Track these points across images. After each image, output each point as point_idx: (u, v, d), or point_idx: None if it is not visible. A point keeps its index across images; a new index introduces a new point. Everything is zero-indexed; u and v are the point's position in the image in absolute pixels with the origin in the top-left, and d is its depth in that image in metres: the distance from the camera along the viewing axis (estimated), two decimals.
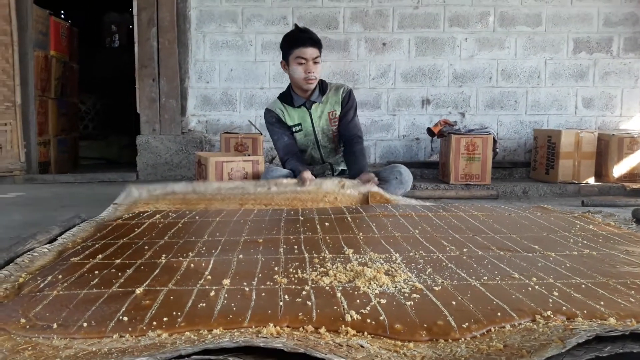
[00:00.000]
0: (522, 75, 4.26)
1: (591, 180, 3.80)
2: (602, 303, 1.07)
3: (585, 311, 1.03)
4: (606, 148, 3.87)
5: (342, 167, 2.77)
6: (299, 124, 2.67)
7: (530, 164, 4.16)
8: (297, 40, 2.53)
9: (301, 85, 2.58)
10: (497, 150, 3.84)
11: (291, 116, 2.67)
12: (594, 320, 0.99)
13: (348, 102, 2.68)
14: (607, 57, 4.25)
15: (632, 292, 1.14)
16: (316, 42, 2.53)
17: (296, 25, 2.65)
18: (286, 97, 2.70)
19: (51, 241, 1.72)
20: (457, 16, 4.19)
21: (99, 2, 6.85)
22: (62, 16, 7.10)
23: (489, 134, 3.75)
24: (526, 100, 4.28)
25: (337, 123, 2.68)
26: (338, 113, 2.67)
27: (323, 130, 2.69)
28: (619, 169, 3.82)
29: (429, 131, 4.00)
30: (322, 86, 2.68)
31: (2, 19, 3.88)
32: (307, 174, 2.44)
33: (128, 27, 6.49)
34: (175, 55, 4.14)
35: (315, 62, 2.53)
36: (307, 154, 2.76)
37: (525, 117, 4.31)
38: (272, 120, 2.69)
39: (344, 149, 2.73)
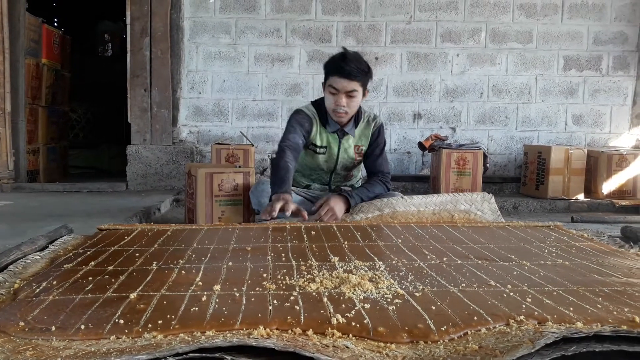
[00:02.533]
0: (513, 91, 4.37)
1: (581, 197, 3.89)
2: (571, 309, 1.14)
3: (555, 316, 1.10)
4: (595, 165, 3.97)
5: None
6: (325, 147, 2.52)
7: (520, 180, 4.24)
8: (334, 68, 2.32)
9: (331, 115, 2.42)
10: (488, 165, 3.92)
11: (322, 137, 2.50)
12: (563, 324, 1.06)
13: (377, 138, 2.54)
14: (597, 75, 4.37)
15: (600, 299, 1.22)
16: (354, 75, 2.27)
17: (344, 50, 2.40)
18: (322, 117, 2.49)
19: (40, 249, 1.74)
20: (449, 32, 4.30)
21: (92, 11, 6.91)
22: (55, 24, 7.14)
23: (480, 149, 3.83)
24: (517, 116, 4.39)
25: (360, 156, 2.57)
26: (364, 148, 2.55)
27: (345, 161, 2.57)
28: (608, 186, 3.91)
29: (420, 145, 4.08)
30: (357, 116, 2.49)
31: None
32: (277, 205, 2.09)
33: (121, 36, 6.54)
34: (167, 66, 4.20)
35: (350, 96, 2.32)
36: (316, 175, 2.65)
37: (516, 132, 4.41)
38: (304, 124, 2.45)
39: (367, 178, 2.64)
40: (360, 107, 2.51)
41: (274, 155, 2.44)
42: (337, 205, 2.28)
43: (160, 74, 4.19)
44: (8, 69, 3.99)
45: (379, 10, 4.26)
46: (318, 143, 2.51)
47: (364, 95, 2.42)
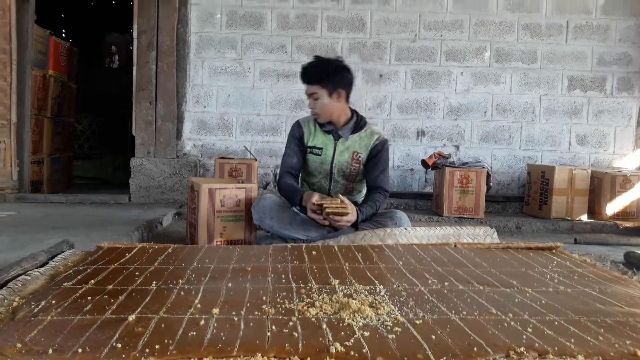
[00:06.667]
0: (517, 110, 4.37)
1: (584, 217, 3.86)
2: (572, 340, 1.13)
3: (556, 348, 1.09)
4: (599, 185, 3.94)
5: None
6: (321, 149, 2.63)
7: (523, 199, 4.22)
8: (300, 75, 2.61)
9: None
10: (491, 184, 3.91)
11: (317, 138, 2.64)
12: (564, 357, 1.05)
13: (380, 153, 2.59)
14: (601, 96, 4.37)
15: (602, 330, 1.21)
16: (309, 80, 2.54)
17: (314, 57, 2.63)
18: None
19: (41, 265, 1.74)
20: (453, 50, 4.32)
21: (100, 23, 6.98)
22: (64, 35, 7.21)
23: (483, 167, 3.82)
24: (520, 135, 4.39)
25: (358, 165, 2.61)
26: (362, 157, 2.61)
27: (341, 165, 2.61)
28: (612, 207, 3.89)
29: (423, 163, 4.08)
30: (359, 123, 2.63)
31: (2, 38, 3.95)
32: (314, 198, 2.37)
33: (128, 47, 6.60)
34: (173, 79, 4.22)
35: (314, 98, 2.53)
36: (317, 181, 2.69)
37: (520, 151, 4.40)
38: (295, 134, 2.68)
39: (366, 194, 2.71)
40: (362, 116, 2.67)
41: (278, 177, 2.74)
42: (351, 221, 2.37)
43: (165, 87, 4.22)
44: (15, 80, 4.03)
45: (384, 29, 4.28)
46: (310, 144, 2.65)
47: (334, 96, 2.52)
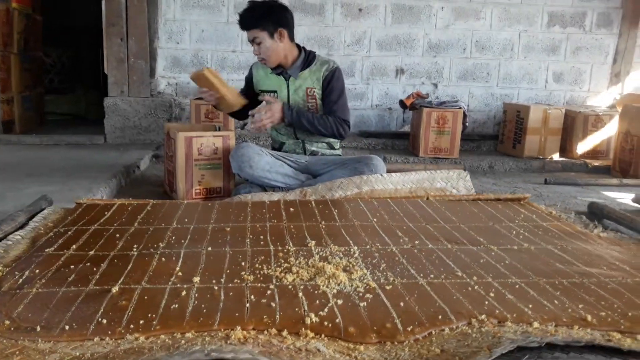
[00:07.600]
0: (496, 47, 4.33)
1: (556, 156, 3.97)
2: (530, 306, 1.22)
3: (514, 315, 1.18)
4: (572, 124, 4.02)
5: (315, 147, 2.69)
6: (275, 92, 2.62)
7: (498, 137, 4.30)
8: (239, 24, 2.54)
9: None
10: (467, 124, 3.95)
11: (270, 80, 2.63)
12: (521, 324, 1.14)
13: (330, 82, 2.53)
14: (580, 32, 4.35)
15: (558, 293, 1.30)
16: (246, 25, 2.48)
17: (248, 2, 2.53)
18: None
19: (21, 227, 1.76)
20: None
21: None
22: None
23: (460, 108, 3.85)
24: (498, 72, 4.38)
25: (314, 100, 2.57)
26: (317, 92, 2.56)
27: (298, 104, 2.59)
28: (583, 146, 4.00)
29: (401, 103, 4.07)
30: (308, 58, 2.58)
31: None
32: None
33: None
34: (144, 14, 4.04)
35: (257, 43, 2.49)
36: (281, 125, 2.66)
37: (497, 89, 4.42)
38: (247, 76, 2.77)
39: None
40: (310, 51, 2.61)
41: None
42: (274, 113, 2.47)
43: (136, 22, 4.04)
44: None
45: None
46: (264, 88, 2.63)
47: (276, 37, 2.47)
